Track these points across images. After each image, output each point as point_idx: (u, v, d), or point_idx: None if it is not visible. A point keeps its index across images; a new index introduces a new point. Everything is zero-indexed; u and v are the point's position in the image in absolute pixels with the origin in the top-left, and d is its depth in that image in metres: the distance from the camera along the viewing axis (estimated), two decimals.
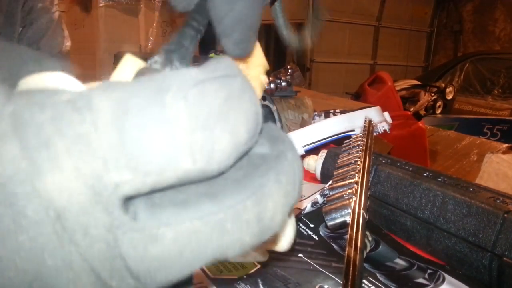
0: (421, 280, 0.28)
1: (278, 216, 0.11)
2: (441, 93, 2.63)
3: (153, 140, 0.10)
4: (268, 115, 0.37)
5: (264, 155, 0.12)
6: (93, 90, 0.10)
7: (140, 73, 0.14)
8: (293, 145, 0.12)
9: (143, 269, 0.10)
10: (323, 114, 0.66)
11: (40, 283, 0.09)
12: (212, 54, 0.79)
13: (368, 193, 0.31)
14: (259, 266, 0.29)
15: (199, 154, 0.10)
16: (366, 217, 0.27)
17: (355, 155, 0.36)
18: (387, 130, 0.54)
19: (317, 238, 0.33)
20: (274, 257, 0.30)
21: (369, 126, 0.45)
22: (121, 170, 0.09)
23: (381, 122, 0.53)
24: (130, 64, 0.15)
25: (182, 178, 0.10)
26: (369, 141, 0.40)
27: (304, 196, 0.41)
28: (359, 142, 0.39)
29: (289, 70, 0.83)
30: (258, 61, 0.22)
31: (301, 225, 0.35)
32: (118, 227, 0.09)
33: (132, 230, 0.09)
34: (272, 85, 0.70)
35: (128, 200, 0.10)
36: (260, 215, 0.11)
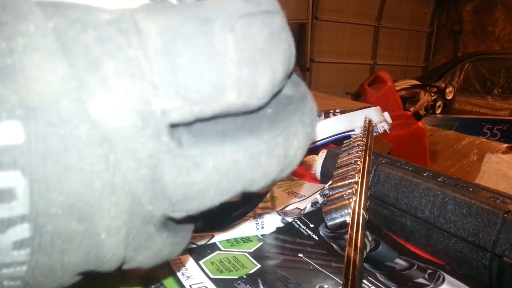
0: (421, 280, 0.28)
1: (299, 153, 0.12)
2: (441, 93, 2.63)
3: (203, 70, 0.09)
4: None
5: (290, 96, 0.12)
6: (136, 12, 0.10)
7: None
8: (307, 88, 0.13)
9: (181, 194, 0.10)
10: (323, 114, 0.66)
11: (82, 205, 0.09)
12: None
13: (368, 193, 0.31)
14: (259, 266, 0.29)
15: (244, 88, 0.10)
16: (366, 217, 0.27)
17: (355, 155, 0.36)
18: (387, 130, 0.54)
19: (317, 238, 0.33)
20: (273, 257, 0.30)
21: (369, 126, 0.45)
22: (170, 97, 0.09)
23: (381, 122, 0.53)
24: None
25: (225, 110, 0.10)
26: (369, 141, 0.40)
27: (304, 196, 0.41)
28: (359, 142, 0.39)
29: None
30: None
31: (301, 225, 0.35)
32: (164, 152, 0.09)
33: (177, 156, 0.09)
34: None
35: (173, 127, 0.10)
36: (287, 151, 0.11)
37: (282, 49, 0.11)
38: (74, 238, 0.09)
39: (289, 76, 0.12)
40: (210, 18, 0.10)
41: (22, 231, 0.09)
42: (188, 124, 0.10)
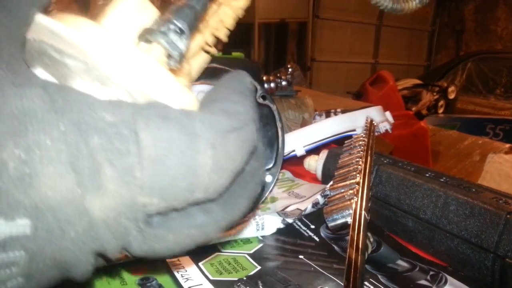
0: (423, 282, 0.28)
1: (236, 223, 0.15)
2: (443, 92, 2.62)
3: (183, 179, 0.12)
4: (269, 115, 0.37)
5: (243, 176, 0.15)
6: (136, 118, 0.12)
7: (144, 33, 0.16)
8: (264, 158, 0.16)
9: (143, 254, 0.13)
10: (324, 114, 0.66)
11: (67, 266, 0.12)
12: (219, 54, 0.79)
13: (370, 193, 0.30)
14: (259, 267, 0.28)
15: (211, 190, 0.13)
16: (368, 218, 0.26)
17: (356, 155, 0.36)
18: (389, 130, 0.54)
19: (318, 240, 0.33)
20: (274, 259, 0.30)
21: (370, 126, 0.45)
22: (152, 197, 0.12)
23: (382, 121, 0.53)
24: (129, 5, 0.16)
25: (192, 203, 0.13)
26: (371, 141, 0.39)
27: (305, 196, 0.41)
28: (361, 142, 0.39)
29: (290, 69, 0.83)
30: None
31: (301, 226, 0.35)
32: (136, 231, 0.12)
33: (146, 234, 0.12)
34: (272, 85, 0.69)
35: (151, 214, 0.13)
36: (230, 220, 0.14)
37: (247, 151, 0.14)
38: (53, 279, 0.12)
39: (247, 163, 0.15)
40: (198, 133, 0.12)
41: (17, 282, 0.12)
42: (162, 213, 0.13)
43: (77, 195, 0.11)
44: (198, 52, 0.22)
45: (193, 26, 0.17)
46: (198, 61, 0.22)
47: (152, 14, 0.17)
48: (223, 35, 0.23)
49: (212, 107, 0.14)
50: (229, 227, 0.14)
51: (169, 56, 0.16)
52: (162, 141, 0.12)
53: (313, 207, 0.36)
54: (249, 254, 0.30)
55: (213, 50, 0.23)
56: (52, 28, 0.14)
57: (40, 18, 0.14)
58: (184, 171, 0.12)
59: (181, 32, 0.16)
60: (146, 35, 0.16)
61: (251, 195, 0.15)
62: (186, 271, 0.28)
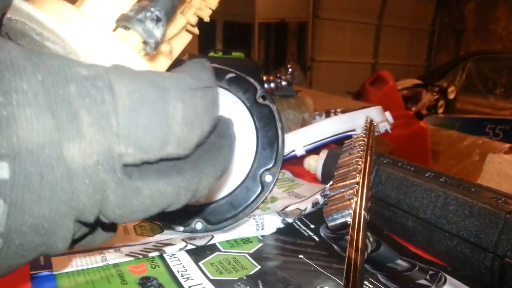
0: (422, 281, 0.28)
1: (206, 189, 0.16)
2: (443, 92, 2.62)
3: (156, 129, 0.13)
4: (269, 115, 0.37)
5: (210, 145, 0.16)
6: (110, 72, 0.12)
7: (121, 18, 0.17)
8: (234, 141, 0.17)
9: (118, 212, 0.13)
10: (323, 114, 0.66)
11: (47, 225, 0.12)
12: (211, 53, 0.79)
13: (369, 193, 0.30)
14: (259, 267, 0.28)
15: (181, 144, 0.13)
16: (367, 217, 0.27)
17: (356, 155, 0.36)
18: (389, 130, 0.54)
19: (317, 239, 0.33)
20: (274, 258, 0.30)
21: (370, 126, 0.45)
22: (128, 146, 0.12)
23: (382, 121, 0.53)
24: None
25: (164, 157, 0.13)
26: (370, 141, 0.40)
27: (305, 196, 0.41)
28: (360, 142, 0.39)
29: (290, 69, 0.83)
30: None
31: (301, 225, 0.35)
32: (114, 183, 0.12)
33: (125, 185, 0.13)
34: (272, 85, 0.69)
35: (129, 167, 0.13)
36: (198, 187, 0.15)
37: (212, 113, 0.15)
38: (34, 247, 0.12)
39: (213, 130, 0.16)
40: (168, 88, 0.13)
41: None
42: (137, 165, 0.13)
43: (55, 139, 0.11)
44: (180, 32, 0.22)
45: (171, 13, 0.18)
46: (180, 41, 0.22)
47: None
48: (206, 16, 0.23)
49: (177, 72, 0.15)
50: (199, 195, 0.15)
51: (145, 43, 0.17)
52: (135, 91, 0.12)
53: (313, 207, 0.36)
54: (249, 254, 0.30)
55: (195, 31, 0.23)
56: (32, 14, 0.15)
57: (20, 3, 0.15)
58: (157, 120, 0.13)
59: (157, 20, 0.17)
60: (124, 22, 0.17)
61: (219, 167, 0.16)
62: (186, 270, 0.28)
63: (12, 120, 0.11)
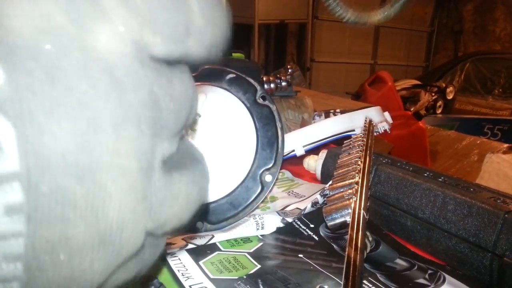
0: (421, 281, 0.28)
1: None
2: (442, 93, 2.63)
3: (178, 13, 0.11)
4: (268, 115, 0.37)
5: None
6: None
7: None
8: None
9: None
10: (323, 114, 0.66)
11: (81, 157, 0.08)
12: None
13: (369, 193, 0.30)
14: (259, 266, 0.29)
15: (202, 39, 0.12)
16: (367, 217, 0.27)
17: (355, 155, 0.36)
18: (388, 130, 0.54)
19: (317, 238, 0.33)
20: (273, 258, 0.30)
21: (369, 126, 0.45)
22: (155, 33, 0.10)
23: (381, 122, 0.53)
24: None
25: (184, 56, 0.11)
26: (370, 141, 0.40)
27: (304, 196, 0.41)
28: (360, 142, 0.39)
29: (289, 70, 0.83)
30: None
31: (301, 225, 0.35)
32: (157, 83, 0.10)
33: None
34: (272, 85, 0.70)
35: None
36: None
37: (225, 18, 0.13)
38: (76, 204, 0.08)
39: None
40: None
41: (13, 192, 0.08)
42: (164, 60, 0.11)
43: (72, 20, 0.08)
44: None
45: None
46: None
47: None
48: None
49: None
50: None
51: None
52: None
53: (312, 206, 0.36)
54: (249, 253, 0.30)
55: None
56: None
57: None
58: (179, 8, 0.11)
59: None
60: None
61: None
62: (186, 269, 0.28)
63: None
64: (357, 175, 0.31)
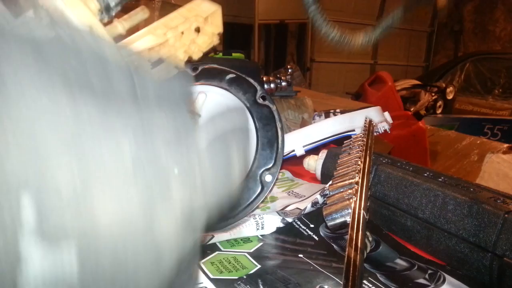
0: (421, 281, 0.28)
1: None
2: (442, 93, 2.63)
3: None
4: (268, 115, 0.37)
5: None
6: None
7: None
8: None
9: None
10: (323, 114, 0.66)
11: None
12: (212, 54, 0.79)
13: (369, 193, 0.30)
14: (259, 266, 0.29)
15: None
16: (367, 217, 0.27)
17: (355, 155, 0.36)
18: (388, 130, 0.54)
19: (317, 238, 0.33)
20: (274, 258, 0.30)
21: (369, 126, 0.45)
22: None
23: (381, 122, 0.53)
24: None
25: None
26: (370, 141, 0.40)
27: (304, 196, 0.41)
28: (360, 142, 0.39)
29: (289, 70, 0.83)
30: (216, 21, 0.25)
31: (301, 225, 0.35)
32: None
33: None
34: (272, 85, 0.70)
35: None
36: None
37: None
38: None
39: None
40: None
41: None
42: None
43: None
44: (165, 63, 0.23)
45: None
46: (164, 71, 0.22)
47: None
48: (195, 55, 0.24)
49: None
50: None
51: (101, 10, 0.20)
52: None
53: (312, 206, 0.36)
54: (249, 253, 0.30)
55: (181, 66, 0.24)
56: None
57: None
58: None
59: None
60: None
61: None
62: None
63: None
64: (357, 175, 0.31)
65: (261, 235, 0.33)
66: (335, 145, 0.51)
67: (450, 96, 2.67)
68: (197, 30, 0.25)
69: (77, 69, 0.10)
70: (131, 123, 0.11)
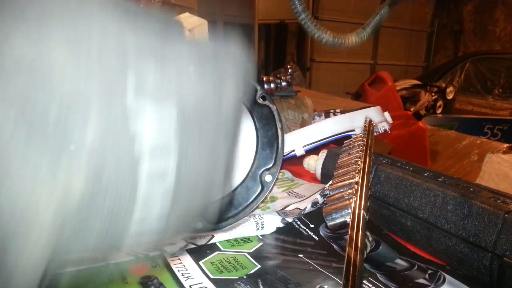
0: (421, 281, 0.28)
1: None
2: (442, 93, 2.63)
3: None
4: (268, 115, 0.37)
5: None
6: None
7: None
8: None
9: None
10: (323, 114, 0.66)
11: None
12: None
13: (369, 193, 0.30)
14: (259, 266, 0.29)
15: None
16: (367, 217, 0.27)
17: (355, 155, 0.36)
18: (388, 130, 0.54)
19: (317, 238, 0.33)
20: (273, 258, 0.30)
21: (369, 126, 0.45)
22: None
23: (381, 122, 0.53)
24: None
25: None
26: (370, 141, 0.40)
27: (304, 196, 0.41)
28: (359, 142, 0.39)
29: (289, 70, 0.83)
30: (202, 33, 0.26)
31: (301, 225, 0.35)
32: None
33: None
34: (272, 85, 0.70)
35: None
36: None
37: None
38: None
39: None
40: None
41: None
42: None
43: None
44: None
45: None
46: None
47: None
48: None
49: None
50: None
51: None
52: None
53: (312, 206, 0.36)
54: (249, 253, 0.30)
55: None
56: None
57: None
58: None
59: None
60: None
61: None
62: (186, 269, 0.28)
63: None
64: (357, 175, 0.31)
65: (261, 235, 0.33)
66: (335, 145, 0.51)
67: (450, 96, 2.67)
68: None
69: None
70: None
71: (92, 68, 0.11)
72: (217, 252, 0.30)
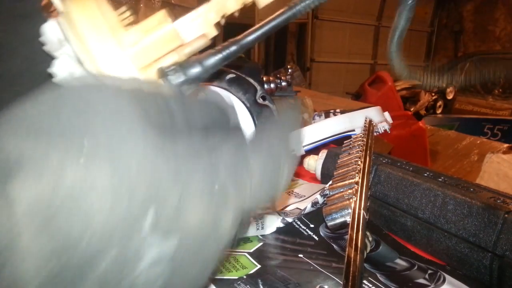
0: (421, 281, 0.28)
1: None
2: (442, 93, 2.63)
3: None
4: (268, 115, 0.37)
5: None
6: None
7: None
8: None
9: None
10: (323, 114, 0.66)
11: None
12: None
13: (369, 193, 0.30)
14: (259, 266, 0.29)
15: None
16: (367, 217, 0.27)
17: (355, 155, 0.36)
18: (388, 130, 0.54)
19: (317, 238, 0.33)
20: (274, 258, 0.30)
21: (369, 126, 0.45)
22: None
23: (381, 122, 0.53)
24: None
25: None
26: (370, 141, 0.40)
27: (304, 196, 0.41)
28: (360, 142, 0.39)
29: (289, 70, 0.83)
30: None
31: (301, 225, 0.35)
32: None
33: None
34: (272, 85, 0.70)
35: None
36: None
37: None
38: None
39: None
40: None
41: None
42: None
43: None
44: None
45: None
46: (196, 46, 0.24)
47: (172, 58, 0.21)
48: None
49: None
50: None
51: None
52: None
53: (312, 206, 0.36)
54: (249, 253, 0.30)
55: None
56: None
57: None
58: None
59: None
60: (160, 72, 0.20)
61: None
62: None
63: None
64: (357, 175, 0.31)
65: (261, 235, 0.33)
66: (335, 145, 0.51)
67: (450, 96, 2.68)
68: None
69: (158, 114, 0.15)
70: (203, 159, 0.16)
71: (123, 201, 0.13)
72: None
